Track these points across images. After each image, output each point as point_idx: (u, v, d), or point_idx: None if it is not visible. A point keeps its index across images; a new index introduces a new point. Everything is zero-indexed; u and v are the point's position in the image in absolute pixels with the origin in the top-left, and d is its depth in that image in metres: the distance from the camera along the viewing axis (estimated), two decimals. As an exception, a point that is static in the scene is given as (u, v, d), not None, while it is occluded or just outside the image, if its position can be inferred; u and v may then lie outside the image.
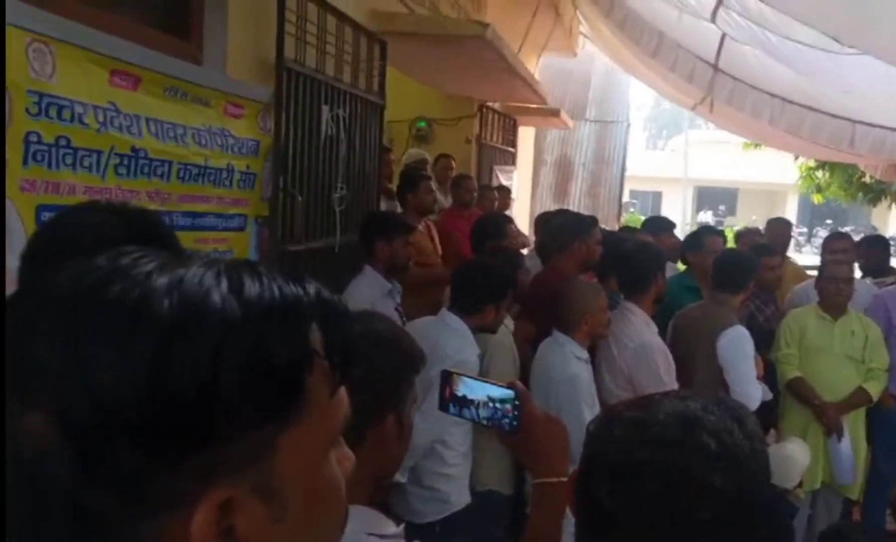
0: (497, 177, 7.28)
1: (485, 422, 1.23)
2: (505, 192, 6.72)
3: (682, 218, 24.19)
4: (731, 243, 5.91)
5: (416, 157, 5.56)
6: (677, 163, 27.84)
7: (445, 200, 5.70)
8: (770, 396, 3.57)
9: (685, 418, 0.79)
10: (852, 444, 3.96)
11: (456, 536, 2.63)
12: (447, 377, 1.24)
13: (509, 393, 1.21)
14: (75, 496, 0.40)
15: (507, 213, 5.87)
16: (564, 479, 1.20)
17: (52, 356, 0.40)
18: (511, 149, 8.04)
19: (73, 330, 0.40)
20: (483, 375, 2.62)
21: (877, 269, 4.95)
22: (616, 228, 8.22)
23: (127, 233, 0.95)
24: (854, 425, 4.02)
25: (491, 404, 1.22)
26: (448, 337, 2.68)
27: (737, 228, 10.20)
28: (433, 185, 4.63)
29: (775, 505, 2.64)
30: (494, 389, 1.23)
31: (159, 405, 0.39)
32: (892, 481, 4.26)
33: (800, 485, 3.35)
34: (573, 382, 2.82)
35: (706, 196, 29.96)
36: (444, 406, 1.25)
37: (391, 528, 1.08)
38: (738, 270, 3.64)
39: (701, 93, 6.53)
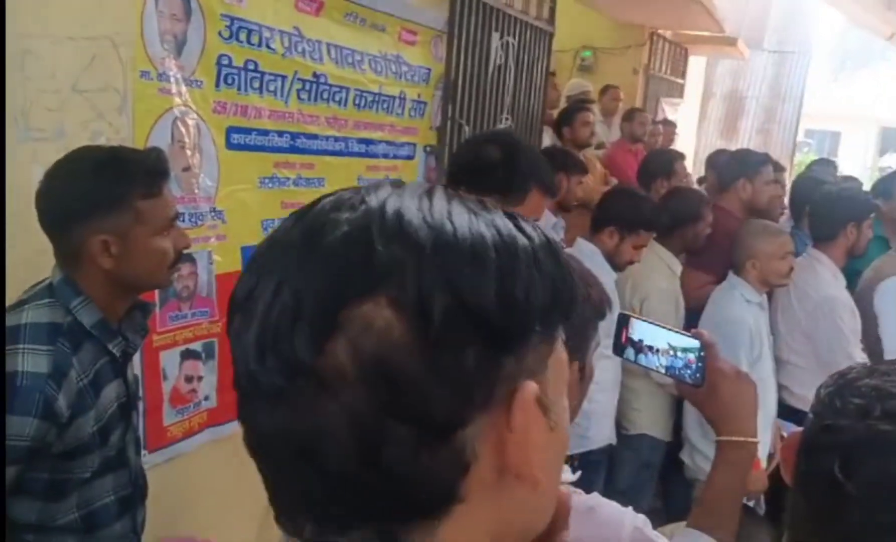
0: (663, 110, 6.86)
1: (664, 371, 1.14)
2: (670, 126, 6.32)
3: (863, 162, 21.97)
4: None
5: (579, 88, 5.32)
6: (860, 100, 25.10)
7: (610, 133, 5.44)
8: None
9: None
10: None
11: (592, 474, 2.55)
12: (624, 320, 1.16)
13: (694, 343, 1.10)
14: (423, 393, 0.40)
15: (673, 147, 5.51)
16: (753, 440, 1.11)
17: (407, 254, 0.41)
18: (680, 80, 7.53)
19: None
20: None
21: None
22: (789, 168, 7.56)
23: None
24: None
25: (672, 353, 1.12)
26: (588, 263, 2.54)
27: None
28: (598, 116, 4.41)
29: None
30: (676, 337, 1.12)
31: (500, 308, 0.42)
32: None
33: None
34: (734, 324, 2.62)
35: (891, 138, 26.88)
36: (618, 350, 1.16)
37: (567, 475, 1.03)
38: None
39: (902, 19, 5.75)
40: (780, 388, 2.85)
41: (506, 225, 0.45)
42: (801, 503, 0.74)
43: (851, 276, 3.15)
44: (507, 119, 3.47)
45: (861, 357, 2.73)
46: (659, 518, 1.25)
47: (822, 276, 2.86)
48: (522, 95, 3.67)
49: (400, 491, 0.42)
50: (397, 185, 0.46)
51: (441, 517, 0.43)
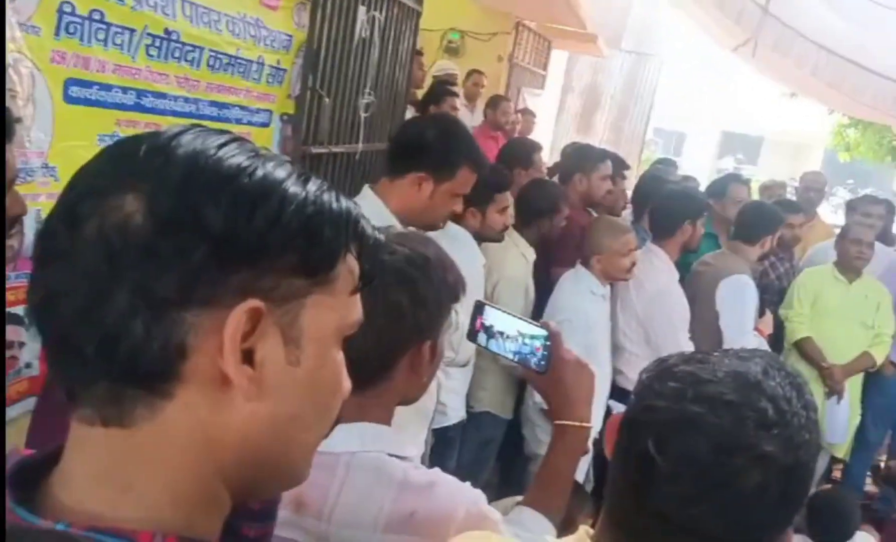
0: (524, 99, 7.12)
1: (512, 357, 1.22)
2: (530, 115, 6.58)
3: (704, 163, 23.85)
4: (756, 195, 5.79)
5: (445, 69, 5.41)
6: (705, 104, 27.21)
7: (473, 118, 5.58)
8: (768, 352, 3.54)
9: (744, 379, 0.77)
10: (848, 406, 4.01)
11: (447, 448, 2.67)
12: (480, 308, 1.23)
13: (541, 332, 1.20)
14: (146, 269, 0.49)
15: (531, 137, 5.75)
16: (587, 425, 1.22)
17: (166, 166, 0.52)
18: (542, 72, 7.84)
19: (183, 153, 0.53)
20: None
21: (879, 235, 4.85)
22: (636, 164, 8.10)
23: None
24: (852, 388, 4.05)
25: (520, 340, 1.21)
26: (449, 245, 2.60)
27: (757, 178, 10.06)
28: (461, 101, 4.51)
29: (812, 470, 2.68)
30: (526, 325, 1.22)
31: (233, 221, 0.51)
32: (877, 446, 4.33)
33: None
34: (576, 313, 2.82)
35: (730, 142, 29.40)
36: (472, 336, 1.24)
37: (412, 450, 1.08)
38: (758, 221, 3.56)
39: (745, 35, 6.29)
40: (616, 372, 3.09)
41: (282, 173, 0.55)
42: (620, 478, 0.81)
43: (682, 269, 3.46)
44: (369, 94, 3.48)
45: (688, 345, 3.03)
46: (494, 493, 1.34)
47: (658, 269, 3.13)
48: (387, 71, 3.68)
49: (118, 352, 0.50)
50: (209, 131, 0.56)
51: (164, 397, 0.51)
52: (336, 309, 0.58)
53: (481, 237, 2.77)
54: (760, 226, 3.52)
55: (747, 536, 0.75)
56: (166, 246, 0.49)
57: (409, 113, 4.37)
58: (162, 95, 2.25)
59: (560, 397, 1.22)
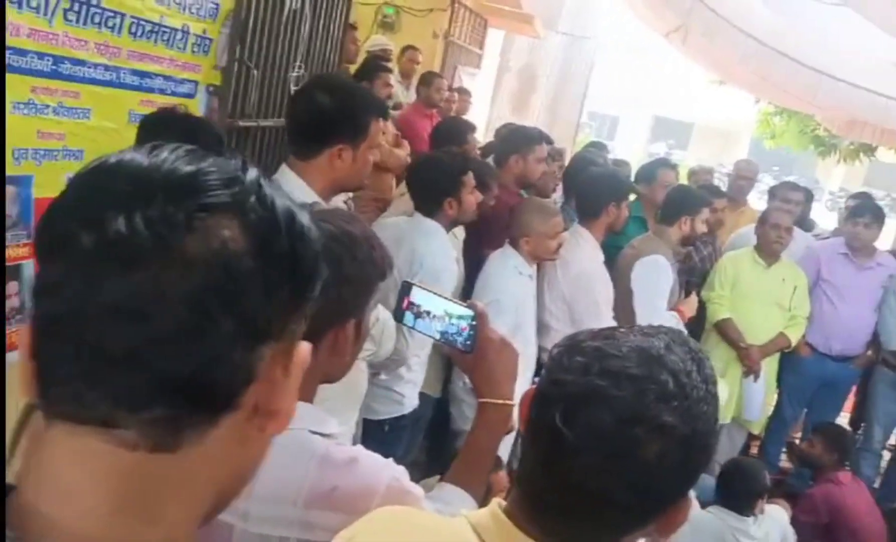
0: (460, 78, 7.14)
1: (438, 337, 1.25)
2: (465, 94, 6.62)
3: (637, 147, 24.38)
4: (684, 180, 5.97)
5: (379, 44, 5.38)
6: (638, 89, 27.80)
7: (407, 94, 5.57)
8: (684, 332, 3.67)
9: (647, 354, 0.80)
10: (765, 385, 4.22)
11: (401, 436, 2.72)
12: (407, 288, 1.26)
13: (468, 312, 1.23)
14: (248, 302, 0.50)
15: (466, 117, 5.78)
16: (510, 402, 1.25)
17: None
18: (478, 50, 7.87)
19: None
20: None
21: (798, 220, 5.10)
22: (571, 147, 8.24)
23: None
24: (769, 368, 4.27)
25: (447, 320, 1.24)
26: (425, 244, 2.63)
27: (687, 164, 10.37)
28: (395, 77, 4.50)
29: (713, 440, 2.81)
30: (453, 306, 1.25)
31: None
32: (791, 423, 4.58)
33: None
34: (503, 293, 2.88)
35: (662, 127, 30.18)
36: (399, 316, 1.26)
37: (334, 427, 1.10)
38: (678, 203, 3.68)
39: (677, 21, 6.47)
40: (542, 350, 3.18)
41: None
42: (529, 450, 0.85)
43: (611, 251, 3.57)
44: (300, 67, 3.44)
45: (611, 324, 3.13)
46: (422, 471, 1.37)
47: (584, 250, 3.22)
48: (318, 45, 3.65)
49: (199, 376, 0.48)
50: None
51: (215, 422, 0.51)
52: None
53: (458, 223, 2.80)
54: (680, 207, 3.65)
55: (649, 502, 0.80)
56: (270, 278, 0.51)
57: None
58: (80, 62, 2.18)
59: (485, 375, 1.25)
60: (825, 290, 4.40)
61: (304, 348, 0.57)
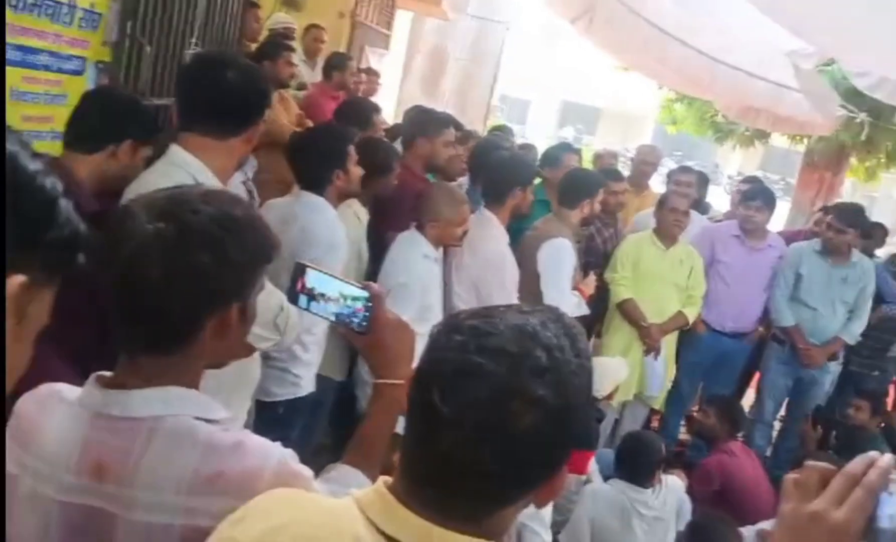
0: (367, 58, 7.10)
1: (333, 318, 1.26)
2: (374, 75, 6.58)
3: (546, 131, 24.85)
4: (589, 163, 6.15)
5: (282, 22, 5.27)
6: (548, 73, 28.30)
7: (312, 75, 5.48)
8: (587, 311, 3.82)
9: (523, 330, 0.84)
10: (664, 362, 4.42)
11: (296, 419, 2.69)
12: (301, 270, 1.25)
13: (363, 293, 1.24)
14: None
15: (374, 99, 5.75)
16: (404, 382, 1.26)
17: None
18: (386, 31, 7.83)
19: None
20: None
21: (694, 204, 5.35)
22: (482, 130, 8.31)
23: None
24: (668, 345, 4.47)
25: (342, 301, 1.24)
26: (314, 220, 2.60)
27: (594, 148, 10.66)
28: (300, 57, 4.42)
29: (587, 411, 2.91)
30: (348, 287, 1.25)
31: None
32: (690, 397, 4.82)
33: (610, 396, 3.68)
34: (410, 276, 2.91)
35: (571, 112, 30.85)
36: (293, 298, 1.26)
37: (221, 413, 1.09)
38: (577, 186, 3.79)
39: (582, 8, 6.62)
40: (450, 332, 3.22)
41: None
42: (411, 427, 0.87)
43: (517, 234, 3.65)
44: (195, 44, 3.35)
45: (517, 305, 3.20)
46: (329, 456, 1.37)
47: (491, 233, 3.29)
48: (216, 20, 3.56)
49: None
50: None
51: None
52: None
53: (346, 196, 2.78)
54: (580, 191, 3.76)
55: (525, 473, 0.84)
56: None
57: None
58: (-50, 35, 2.06)
59: (381, 356, 1.27)
60: (719, 270, 4.64)
61: (13, 280, 0.60)
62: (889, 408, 5.33)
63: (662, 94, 11.62)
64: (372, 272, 3.06)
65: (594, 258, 4.42)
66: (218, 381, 1.13)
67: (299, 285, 1.25)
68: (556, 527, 3.06)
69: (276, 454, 1.05)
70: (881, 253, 6.40)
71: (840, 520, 0.76)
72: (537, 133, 21.50)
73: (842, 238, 4.49)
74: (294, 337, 2.08)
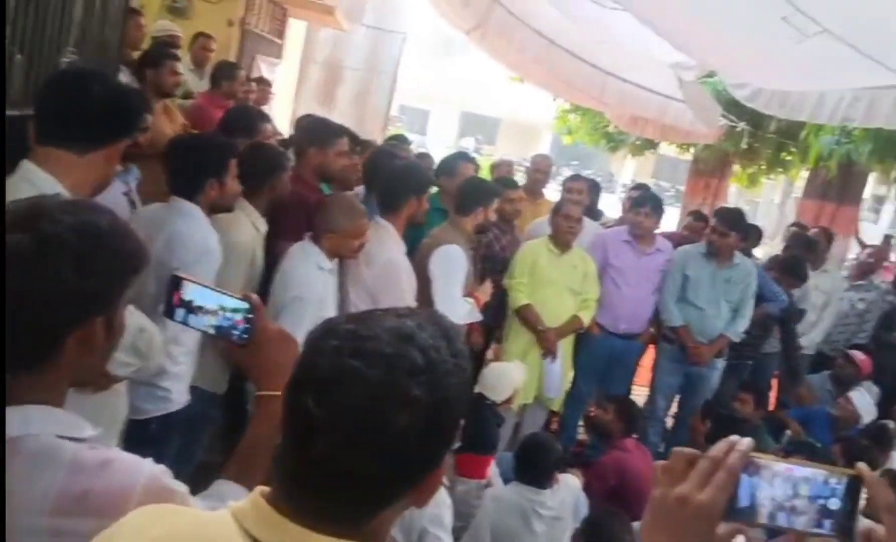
0: (259, 68, 6.99)
1: (213, 331, 1.24)
2: (265, 85, 6.48)
3: (446, 141, 25.15)
4: (487, 173, 6.27)
5: (166, 30, 5.12)
6: (447, 84, 28.67)
7: (200, 84, 5.36)
8: (479, 317, 3.89)
9: (399, 333, 0.85)
10: (562, 364, 4.56)
11: (171, 435, 2.61)
12: (176, 282, 1.22)
13: (243, 304, 1.23)
14: None
15: (266, 108, 5.66)
16: None
17: None
18: (278, 40, 7.73)
19: None
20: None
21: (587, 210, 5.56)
22: (380, 140, 8.33)
23: None
24: (565, 348, 4.62)
25: (222, 314, 1.22)
26: (185, 225, 2.54)
27: (494, 158, 10.88)
28: (187, 66, 4.30)
29: (485, 414, 2.98)
30: (227, 299, 1.23)
31: None
32: (587, 398, 4.98)
33: (509, 400, 3.77)
34: (304, 287, 2.89)
35: (470, 122, 31.36)
36: (169, 312, 1.23)
37: (87, 431, 1.06)
38: (471, 194, 3.88)
39: (475, 20, 6.76)
40: (347, 344, 3.21)
41: None
42: (285, 434, 0.87)
43: (414, 243, 3.68)
44: (72, 52, 3.21)
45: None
46: (214, 473, 1.34)
47: (387, 242, 3.30)
48: (94, 28, 3.42)
49: None
50: None
51: None
52: None
53: (220, 208, 2.71)
54: (474, 199, 3.85)
55: (402, 474, 0.86)
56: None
57: (125, 76, 4.09)
58: None
59: (263, 368, 1.26)
60: (611, 274, 4.83)
61: None
62: (772, 401, 5.69)
63: (558, 104, 12.01)
64: (265, 283, 3.02)
65: (492, 265, 4.52)
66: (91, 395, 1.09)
67: (175, 299, 1.22)
68: (458, 533, 3.09)
69: (147, 470, 1.02)
70: (759, 254, 6.83)
71: (704, 501, 0.81)
72: (438, 143, 21.75)
73: (725, 241, 4.76)
74: (159, 361, 2.01)
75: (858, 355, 5.35)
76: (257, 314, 1.22)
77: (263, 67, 7.10)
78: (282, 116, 8.40)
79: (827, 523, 0.82)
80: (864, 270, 6.35)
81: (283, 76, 8.11)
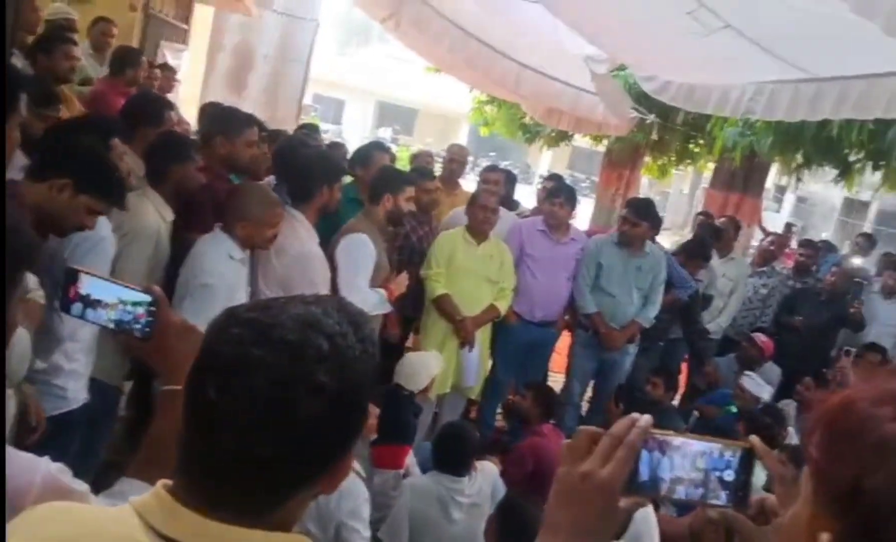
0: (164, 54, 6.77)
1: (113, 326, 1.20)
2: (170, 72, 6.27)
3: (362, 131, 25.01)
4: (406, 164, 6.28)
5: (61, 13, 4.89)
6: (363, 74, 28.50)
7: (100, 70, 5.15)
8: (390, 308, 3.90)
9: (304, 320, 0.86)
10: (479, 353, 4.63)
11: (70, 434, 2.51)
12: (73, 275, 1.18)
13: (145, 297, 1.19)
14: None
15: (171, 96, 5.49)
16: None
17: None
18: (184, 26, 7.51)
19: None
20: (117, 259, 2.50)
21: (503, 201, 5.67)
22: (293, 130, 8.20)
23: None
24: (483, 337, 4.69)
25: (122, 307, 1.19)
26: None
27: (412, 148, 10.89)
28: (87, 50, 4.12)
29: (402, 405, 3.00)
30: (128, 292, 1.20)
31: None
32: (505, 386, 5.08)
33: (427, 390, 3.80)
34: (214, 276, 2.84)
35: (387, 112, 31.25)
36: (66, 307, 1.19)
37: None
38: (380, 182, 3.89)
39: (390, 8, 6.73)
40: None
41: None
42: (188, 423, 0.86)
43: (328, 233, 3.65)
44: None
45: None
46: (120, 473, 1.30)
47: (299, 232, 3.27)
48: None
49: None
50: None
51: None
52: None
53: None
54: (382, 187, 3.86)
55: (309, 461, 0.86)
56: None
57: (18, 60, 3.90)
58: None
59: (167, 362, 1.22)
60: (527, 263, 4.93)
61: None
62: (681, 384, 5.93)
63: (474, 95, 12.10)
64: (172, 277, 2.95)
65: (409, 256, 4.53)
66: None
67: (72, 292, 1.18)
68: (376, 525, 3.11)
69: (43, 469, 1.00)
70: (669, 243, 7.10)
71: (605, 477, 0.84)
72: (354, 134, 21.60)
73: (636, 231, 4.93)
74: (24, 369, 1.93)
75: (761, 338, 5.64)
76: (160, 307, 1.20)
77: (168, 54, 6.88)
78: (189, 105, 8.16)
79: (723, 494, 0.87)
80: (767, 257, 6.69)
81: (189, 63, 7.87)
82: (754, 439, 0.88)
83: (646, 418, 0.87)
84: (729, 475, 0.87)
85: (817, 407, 0.66)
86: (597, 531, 0.85)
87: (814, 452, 0.63)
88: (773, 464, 0.87)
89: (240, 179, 3.63)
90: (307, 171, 3.39)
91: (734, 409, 4.94)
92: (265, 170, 3.97)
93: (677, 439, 0.88)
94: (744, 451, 0.87)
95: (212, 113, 3.82)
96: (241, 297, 2.98)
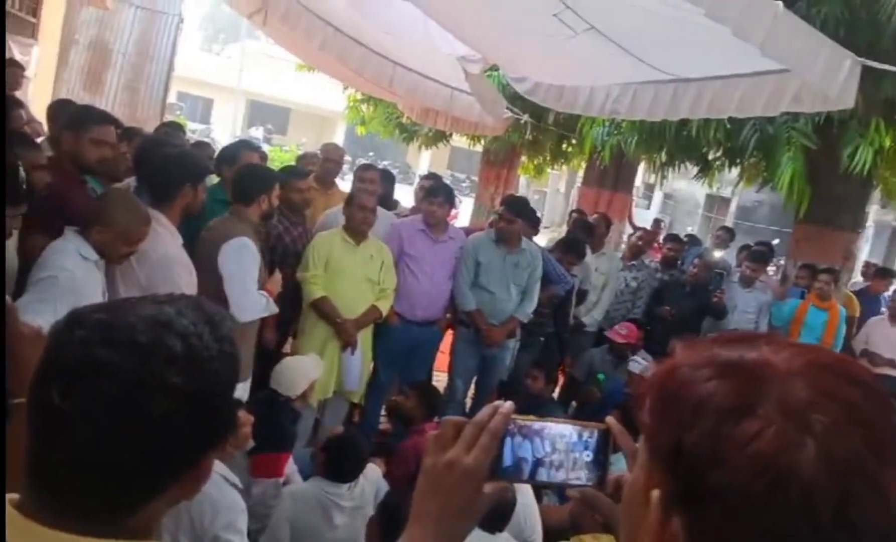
0: (11, 49, 6.35)
1: None
2: (16, 67, 5.88)
3: (233, 131, 24.34)
4: (279, 164, 6.17)
5: None
6: (232, 71, 27.74)
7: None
8: (276, 310, 3.86)
9: (156, 321, 0.84)
10: (361, 356, 4.63)
11: None
12: None
13: None
14: None
15: (19, 94, 5.16)
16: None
17: None
18: (31, 18, 7.06)
19: None
20: None
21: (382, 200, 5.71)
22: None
23: None
24: (364, 339, 4.68)
25: None
26: None
27: (287, 148, 10.69)
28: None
29: (279, 411, 2.96)
30: None
31: None
32: (388, 388, 5.11)
33: (306, 395, 3.75)
34: (63, 273, 2.70)
35: (259, 111, 30.55)
36: None
37: None
38: (252, 182, 3.81)
39: (256, 3, 6.60)
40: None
41: None
42: (31, 434, 0.82)
43: (192, 235, 3.53)
44: None
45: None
46: None
47: (161, 235, 3.15)
48: None
49: None
50: None
51: None
52: None
53: None
54: (255, 187, 3.77)
55: (163, 465, 0.85)
56: None
57: None
58: None
59: (17, 373, 1.15)
60: (407, 263, 4.98)
61: None
62: (560, 377, 6.16)
63: (349, 94, 12.04)
64: (20, 284, 2.78)
65: (282, 257, 4.47)
66: None
67: None
68: (255, 536, 3.05)
69: None
70: (546, 241, 7.35)
71: (470, 463, 0.86)
72: (224, 133, 20.99)
73: (512, 228, 5.09)
74: None
75: (623, 328, 5.90)
76: (10, 316, 1.14)
77: (15, 49, 6.45)
78: (41, 103, 7.68)
79: (583, 474, 0.91)
80: (636, 251, 7.04)
81: (40, 59, 7.41)
82: (610, 419, 0.93)
83: (508, 405, 0.89)
84: (588, 456, 0.91)
85: (650, 376, 0.72)
86: (463, 517, 0.87)
87: (645, 417, 0.69)
88: (627, 442, 0.93)
89: (98, 182, 3.46)
90: (166, 170, 3.26)
91: (601, 376, 5.25)
92: (124, 171, 3.80)
93: (538, 424, 0.90)
94: (600, 432, 0.91)
95: (57, 109, 3.62)
96: (99, 301, 2.85)
